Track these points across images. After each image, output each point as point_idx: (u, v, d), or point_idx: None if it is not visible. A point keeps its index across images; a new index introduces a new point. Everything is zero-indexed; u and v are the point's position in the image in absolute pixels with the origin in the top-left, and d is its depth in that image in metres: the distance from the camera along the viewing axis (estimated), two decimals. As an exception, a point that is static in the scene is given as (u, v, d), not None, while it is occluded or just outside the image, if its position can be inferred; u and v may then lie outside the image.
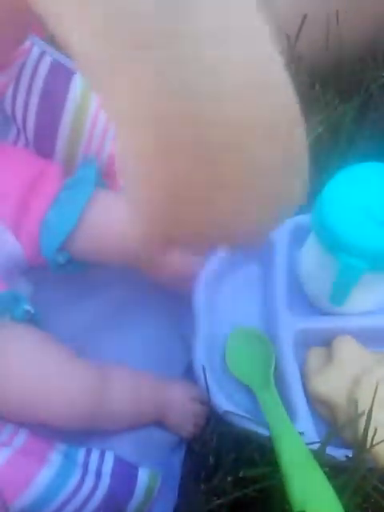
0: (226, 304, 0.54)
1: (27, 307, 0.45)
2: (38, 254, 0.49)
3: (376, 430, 0.41)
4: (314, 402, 0.47)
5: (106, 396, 0.45)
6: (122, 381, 0.47)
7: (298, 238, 0.53)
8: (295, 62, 0.66)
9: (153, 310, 0.56)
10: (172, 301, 0.56)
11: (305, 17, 0.65)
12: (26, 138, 0.53)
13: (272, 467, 0.43)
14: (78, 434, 0.46)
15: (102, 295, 0.57)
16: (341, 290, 0.47)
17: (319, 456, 0.41)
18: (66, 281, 0.54)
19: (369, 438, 0.41)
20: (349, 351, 0.48)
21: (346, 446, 0.44)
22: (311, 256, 0.51)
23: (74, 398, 0.43)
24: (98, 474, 0.43)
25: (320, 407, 0.47)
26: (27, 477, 0.38)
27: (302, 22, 0.65)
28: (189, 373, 0.54)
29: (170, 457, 0.50)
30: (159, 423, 0.50)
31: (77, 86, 0.51)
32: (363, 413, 0.42)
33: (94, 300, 0.56)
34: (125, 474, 0.44)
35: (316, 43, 0.64)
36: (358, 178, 0.45)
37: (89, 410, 0.44)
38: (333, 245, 0.45)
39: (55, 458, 0.41)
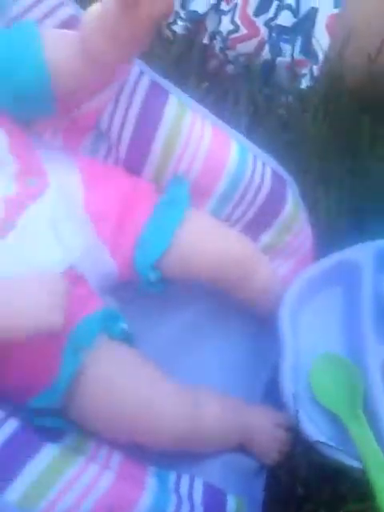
0: (309, 328, 0.53)
1: (124, 325, 0.45)
2: (131, 270, 0.49)
3: None
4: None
5: (197, 417, 0.45)
6: (211, 404, 0.46)
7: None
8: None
9: (232, 330, 0.56)
10: (251, 321, 0.56)
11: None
12: (117, 155, 0.54)
13: (365, 503, 0.42)
14: (166, 456, 0.46)
15: (183, 314, 0.56)
16: None
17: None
18: (147, 299, 0.54)
19: None
20: None
21: None
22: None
23: (166, 418, 0.43)
24: (191, 502, 0.42)
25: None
26: (129, 503, 0.37)
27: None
28: (268, 396, 0.53)
29: (251, 483, 0.49)
30: (242, 448, 0.49)
31: (172, 105, 0.51)
32: None
33: (173, 319, 0.56)
34: (215, 501, 0.44)
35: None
36: None
37: (180, 431, 0.44)
38: None
39: (151, 482, 0.41)
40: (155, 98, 0.51)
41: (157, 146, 0.51)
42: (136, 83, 0.50)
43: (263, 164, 0.55)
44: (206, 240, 0.50)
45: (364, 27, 0.68)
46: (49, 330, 0.38)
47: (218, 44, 0.77)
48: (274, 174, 0.56)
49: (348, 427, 0.46)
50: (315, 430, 0.46)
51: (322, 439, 0.45)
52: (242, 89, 0.74)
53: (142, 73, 0.51)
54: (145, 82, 0.51)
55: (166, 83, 0.52)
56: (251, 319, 0.56)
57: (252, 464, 0.49)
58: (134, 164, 0.52)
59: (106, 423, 0.42)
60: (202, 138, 0.52)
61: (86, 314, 0.43)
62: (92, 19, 0.41)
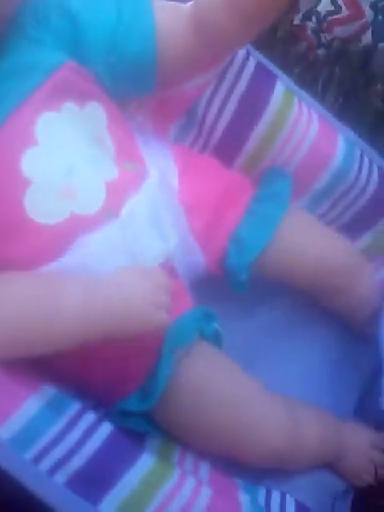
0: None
1: (216, 326, 0.42)
2: (219, 268, 0.46)
3: None
4: None
5: (297, 436, 0.41)
6: (311, 424, 0.43)
7: None
8: None
9: (322, 335, 0.52)
10: (343, 328, 0.52)
11: None
12: (206, 142, 0.50)
13: None
14: (253, 469, 0.43)
15: (266, 314, 0.53)
16: None
17: None
18: (229, 294, 0.51)
19: None
20: None
21: None
22: None
23: (266, 436, 0.40)
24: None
25: None
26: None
27: None
28: (360, 413, 0.50)
29: (336, 504, 0.45)
30: (330, 466, 0.46)
31: (279, 93, 0.47)
32: None
33: (256, 319, 0.52)
34: (307, 521, 0.40)
35: None
36: None
37: (279, 450, 0.40)
38: None
39: (244, 499, 0.38)
40: (261, 83, 0.47)
41: (257, 135, 0.48)
42: (241, 66, 0.46)
43: (370, 161, 0.51)
44: (308, 243, 0.47)
45: None
46: (154, 328, 0.35)
47: (310, 25, 0.72)
48: (381, 172, 0.51)
49: None
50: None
51: None
52: (334, 76, 0.69)
53: (248, 54, 0.47)
54: (251, 65, 0.47)
55: (273, 68, 0.48)
56: (344, 326, 0.52)
57: (339, 483, 0.46)
58: (226, 153, 0.49)
59: (199, 432, 0.39)
60: (308, 131, 0.48)
61: (181, 312, 0.40)
62: None
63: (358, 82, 0.69)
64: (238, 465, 0.42)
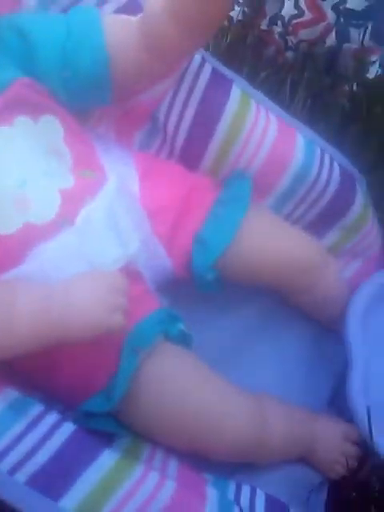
0: (380, 335, 0.50)
1: (182, 326, 0.43)
2: (187, 269, 0.47)
3: None
4: None
5: (263, 429, 0.42)
6: (278, 418, 0.43)
7: None
8: None
9: (294, 333, 0.53)
10: (313, 324, 0.53)
11: None
12: (172, 148, 0.51)
13: None
14: (225, 464, 0.44)
15: (240, 314, 0.54)
16: None
17: None
18: (203, 298, 0.52)
19: None
20: None
21: None
22: None
23: (230, 429, 0.40)
24: (253, 513, 0.40)
25: None
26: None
27: None
28: (332, 405, 0.50)
29: (311, 497, 0.46)
30: (304, 460, 0.46)
31: (236, 96, 0.48)
32: None
33: (230, 320, 0.53)
34: (277, 514, 0.41)
35: None
36: None
37: (244, 443, 0.41)
38: None
39: (212, 494, 0.38)
40: (217, 88, 0.48)
41: (217, 139, 0.49)
42: (197, 72, 0.48)
43: (331, 159, 0.52)
44: (270, 241, 0.48)
45: None
46: (109, 331, 0.36)
47: (277, 30, 0.74)
48: (342, 169, 0.52)
49: None
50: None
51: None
52: (302, 78, 0.70)
53: (203, 61, 0.48)
54: (207, 70, 0.48)
55: (228, 72, 0.49)
56: (315, 322, 0.53)
57: (313, 477, 0.47)
58: (190, 157, 0.50)
59: (164, 430, 0.40)
60: (266, 132, 0.49)
61: (144, 314, 0.41)
62: (157, 0, 0.38)
63: (324, 84, 0.70)
64: (206, 461, 0.43)
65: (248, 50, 0.76)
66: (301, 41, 0.72)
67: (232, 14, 0.76)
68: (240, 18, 0.75)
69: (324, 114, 0.66)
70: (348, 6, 0.67)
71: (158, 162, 0.50)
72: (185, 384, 0.40)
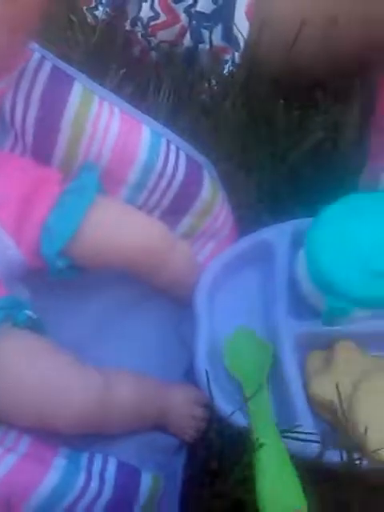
0: (226, 307, 0.54)
1: (29, 313, 0.45)
2: (38, 259, 0.49)
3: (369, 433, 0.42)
4: (315, 404, 0.47)
5: (108, 399, 0.45)
6: (123, 384, 0.47)
7: (297, 241, 0.54)
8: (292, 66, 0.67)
9: (151, 314, 0.57)
10: (170, 304, 0.57)
11: (303, 22, 0.66)
12: (24, 145, 0.53)
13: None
14: (81, 438, 0.46)
15: (100, 300, 0.57)
16: (330, 320, 0.48)
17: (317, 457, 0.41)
18: (63, 286, 0.54)
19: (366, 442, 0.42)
20: (348, 355, 0.48)
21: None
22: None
23: (74, 402, 0.43)
24: (102, 479, 0.43)
25: (321, 410, 0.47)
26: (33, 482, 0.38)
27: (300, 28, 0.66)
28: (189, 375, 0.54)
29: (172, 461, 0.50)
30: (161, 427, 0.50)
31: (77, 92, 0.51)
32: (360, 417, 0.43)
33: (91, 305, 0.56)
34: (128, 478, 0.44)
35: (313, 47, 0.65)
36: (351, 211, 0.45)
37: (90, 414, 0.44)
38: (321, 285, 0.46)
39: (59, 462, 0.41)
40: (58, 84, 0.51)
41: (63, 135, 0.51)
42: (37, 69, 0.50)
43: (177, 149, 0.56)
44: (114, 227, 0.51)
45: (279, 14, 0.69)
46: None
47: (139, 31, 0.77)
48: (189, 158, 0.56)
49: (247, 396, 0.47)
50: (225, 402, 0.47)
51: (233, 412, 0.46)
52: (164, 76, 0.74)
53: (43, 58, 0.50)
54: (46, 68, 0.50)
55: (70, 69, 0.52)
56: (172, 303, 0.57)
57: (172, 442, 0.50)
58: (41, 154, 0.52)
59: (10, 410, 0.42)
60: (110, 124, 0.52)
61: (-13, 302, 0.43)
62: None
63: (186, 81, 0.75)
64: (62, 436, 0.45)
65: (115, 48, 0.79)
66: (161, 41, 0.76)
67: (97, 13, 0.78)
68: (104, 17, 0.78)
69: (185, 109, 0.71)
70: (198, 8, 0.72)
71: (5, 158, 0.51)
72: (23, 362, 0.42)
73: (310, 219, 0.51)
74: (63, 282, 0.53)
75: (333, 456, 0.43)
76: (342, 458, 0.42)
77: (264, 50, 0.69)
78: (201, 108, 0.72)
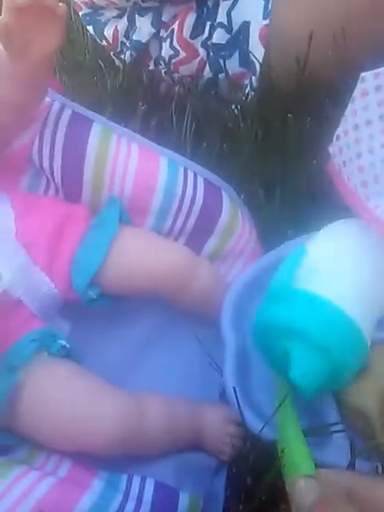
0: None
1: (63, 342, 0.48)
2: (71, 291, 0.52)
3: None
4: (348, 414, 0.46)
5: (141, 422, 0.46)
6: (156, 407, 0.48)
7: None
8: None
9: (184, 336, 0.58)
10: (202, 325, 0.58)
11: (310, 37, 0.67)
12: (56, 187, 0.58)
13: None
14: (121, 461, 0.48)
15: (135, 326, 0.59)
16: None
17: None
18: (100, 315, 0.57)
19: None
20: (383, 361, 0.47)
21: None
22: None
23: (106, 426, 0.45)
24: (140, 500, 0.44)
25: (354, 419, 0.46)
26: (68, 505, 0.40)
27: (309, 43, 0.68)
28: (224, 396, 0.55)
29: (212, 480, 0.50)
30: (199, 447, 0.51)
31: (96, 132, 0.55)
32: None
33: (127, 331, 0.59)
34: (166, 498, 0.45)
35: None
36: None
37: (122, 439, 0.45)
38: None
39: (97, 485, 0.43)
40: (78, 127, 0.55)
41: (88, 173, 0.55)
42: (58, 117, 0.54)
43: (195, 175, 0.58)
44: (139, 253, 0.53)
45: (289, 34, 0.71)
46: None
47: (162, 69, 0.81)
48: (207, 182, 0.58)
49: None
50: (256, 419, 0.47)
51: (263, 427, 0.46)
52: (188, 106, 0.77)
53: (63, 106, 0.55)
54: (66, 114, 0.55)
55: (88, 113, 0.56)
56: (203, 320, 0.58)
57: (211, 462, 0.51)
58: (71, 194, 0.56)
59: (49, 435, 0.45)
60: (129, 158, 0.55)
61: (22, 334, 0.46)
62: None
63: (209, 109, 0.78)
64: (103, 459, 0.47)
65: (142, 88, 0.84)
66: (183, 76, 0.80)
67: (123, 56, 0.84)
68: (129, 60, 0.83)
69: (208, 135, 0.73)
70: (214, 40, 0.75)
71: (36, 197, 0.56)
72: (56, 389, 0.45)
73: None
74: (100, 311, 0.56)
75: (363, 466, 0.42)
76: (377, 470, 0.41)
77: (280, 69, 0.70)
78: (222, 133, 0.75)
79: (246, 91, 0.76)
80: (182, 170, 0.57)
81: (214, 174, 0.60)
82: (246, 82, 0.76)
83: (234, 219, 0.59)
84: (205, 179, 0.58)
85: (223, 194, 0.59)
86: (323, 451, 0.43)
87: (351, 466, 0.41)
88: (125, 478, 0.46)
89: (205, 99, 0.78)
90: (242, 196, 0.62)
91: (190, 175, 0.58)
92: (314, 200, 0.62)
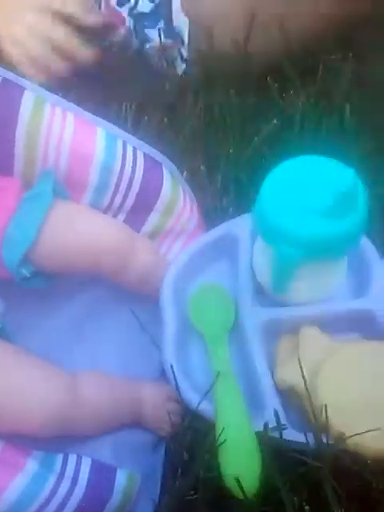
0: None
1: (-4, 322, 0.46)
2: (3, 269, 0.50)
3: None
4: (283, 391, 0.48)
5: (79, 399, 0.45)
6: (94, 384, 0.47)
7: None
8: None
9: (124, 315, 0.57)
10: (141, 303, 0.57)
11: (253, 17, 0.67)
12: None
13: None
14: (57, 441, 0.47)
15: (72, 305, 0.57)
16: (280, 279, 0.49)
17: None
18: (37, 292, 0.55)
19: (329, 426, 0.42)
20: (312, 340, 0.49)
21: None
22: (258, 248, 0.52)
23: (44, 403, 0.44)
24: (75, 479, 0.43)
25: (289, 396, 0.47)
26: (0, 486, 0.38)
27: (251, 23, 0.67)
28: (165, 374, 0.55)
29: (150, 456, 0.50)
30: (137, 424, 0.51)
31: (28, 101, 0.52)
32: (322, 402, 0.43)
33: (64, 310, 0.57)
34: (102, 477, 0.45)
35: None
36: (295, 171, 0.45)
37: (56, 416, 0.44)
38: (270, 235, 0.47)
39: (30, 465, 0.42)
40: (8, 96, 0.51)
41: (19, 144, 0.52)
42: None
43: (134, 149, 0.56)
44: (76, 229, 0.51)
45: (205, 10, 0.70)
46: None
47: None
48: (147, 157, 0.57)
49: (209, 347, 0.49)
50: (195, 396, 0.47)
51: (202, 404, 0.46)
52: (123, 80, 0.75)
53: (-9, 73, 0.51)
54: (-5, 82, 0.51)
55: (20, 80, 0.53)
56: (142, 298, 0.57)
57: (149, 438, 0.51)
58: (1, 166, 0.53)
59: None
60: (64, 130, 0.53)
61: None
62: None
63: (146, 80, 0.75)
64: (36, 439, 0.45)
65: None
66: (111, 45, 0.76)
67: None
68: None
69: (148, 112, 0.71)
70: (139, 9, 0.73)
71: None
72: None
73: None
74: (35, 290, 0.54)
75: (298, 437, 0.43)
76: (307, 440, 0.43)
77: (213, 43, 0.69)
78: (164, 107, 0.73)
79: (181, 67, 0.74)
80: (120, 143, 0.55)
81: (154, 149, 0.58)
82: (175, 53, 0.75)
83: (176, 196, 0.58)
84: (145, 154, 0.57)
85: (164, 169, 0.57)
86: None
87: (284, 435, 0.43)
88: (60, 457, 0.45)
89: (143, 70, 0.76)
90: (185, 173, 0.61)
91: (129, 150, 0.56)
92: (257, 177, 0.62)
